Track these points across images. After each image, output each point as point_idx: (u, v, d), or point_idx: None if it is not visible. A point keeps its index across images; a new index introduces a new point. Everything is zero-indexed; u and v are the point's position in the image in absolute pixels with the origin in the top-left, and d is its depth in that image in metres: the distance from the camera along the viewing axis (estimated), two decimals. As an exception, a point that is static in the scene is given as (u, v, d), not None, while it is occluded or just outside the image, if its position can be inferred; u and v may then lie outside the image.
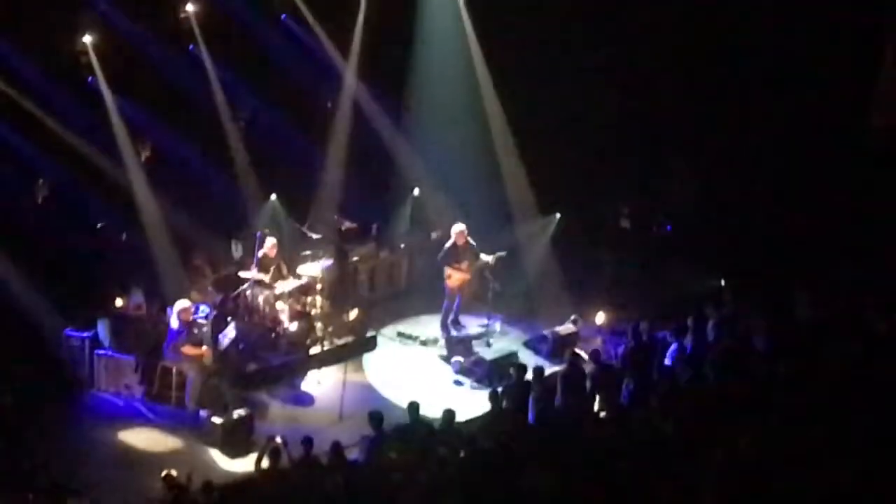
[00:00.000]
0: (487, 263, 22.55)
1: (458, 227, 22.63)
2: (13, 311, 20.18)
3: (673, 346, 19.09)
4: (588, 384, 18.57)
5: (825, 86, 23.25)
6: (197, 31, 23.64)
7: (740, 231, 24.17)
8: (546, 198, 25.70)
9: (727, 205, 24.79)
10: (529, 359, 21.46)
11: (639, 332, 19.59)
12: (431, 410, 17.48)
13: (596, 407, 18.29)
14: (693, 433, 14.62)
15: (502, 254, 22.67)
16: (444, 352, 22.34)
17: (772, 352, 17.92)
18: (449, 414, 16.74)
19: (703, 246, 24.22)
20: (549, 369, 19.91)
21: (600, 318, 22.94)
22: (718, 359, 17.88)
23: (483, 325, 23.07)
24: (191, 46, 23.75)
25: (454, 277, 22.67)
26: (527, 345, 22.65)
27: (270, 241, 21.94)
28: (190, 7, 23.46)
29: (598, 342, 22.02)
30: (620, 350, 20.13)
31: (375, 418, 16.34)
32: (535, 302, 24.00)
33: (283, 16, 24.95)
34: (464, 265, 22.60)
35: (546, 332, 22.51)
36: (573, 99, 24.95)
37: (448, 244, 22.65)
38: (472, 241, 22.64)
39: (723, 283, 22.73)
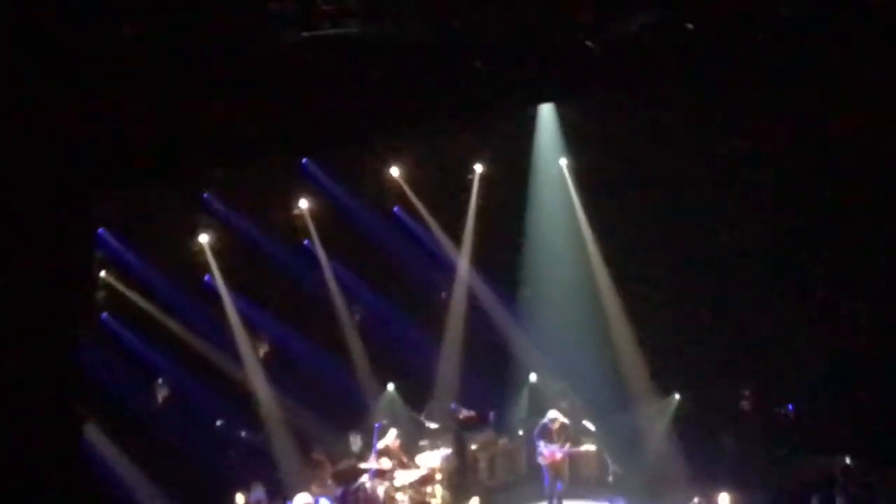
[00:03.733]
0: (590, 451, 22.52)
1: (552, 415, 22.54)
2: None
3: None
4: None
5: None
6: (311, 226, 24.11)
7: (870, 409, 23.49)
8: (664, 380, 25.38)
9: (854, 382, 24.12)
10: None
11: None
12: None
13: None
14: None
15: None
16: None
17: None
18: None
19: (828, 426, 23.65)
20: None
21: (724, 500, 22.44)
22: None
23: (606, 510, 22.75)
24: (305, 241, 24.17)
25: (544, 455, 22.45)
26: (651, 528, 22.22)
27: (392, 434, 22.04)
28: (303, 203, 23.97)
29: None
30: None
31: None
32: (657, 484, 23.55)
33: (395, 208, 25.31)
34: (555, 446, 22.41)
35: (670, 514, 22.07)
36: (689, 279, 24.84)
37: (542, 423, 22.61)
38: (567, 422, 22.52)
39: (848, 462, 22.21)
